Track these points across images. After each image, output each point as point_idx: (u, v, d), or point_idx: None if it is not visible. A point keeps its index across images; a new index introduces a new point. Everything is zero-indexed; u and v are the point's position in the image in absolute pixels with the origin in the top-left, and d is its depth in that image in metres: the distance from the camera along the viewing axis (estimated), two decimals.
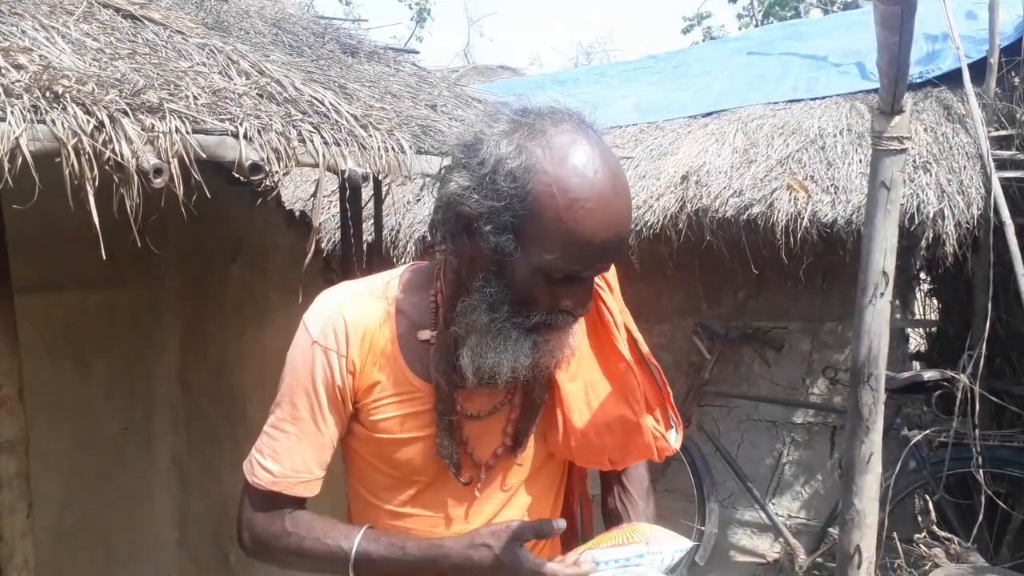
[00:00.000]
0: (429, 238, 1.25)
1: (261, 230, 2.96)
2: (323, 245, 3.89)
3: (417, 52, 3.67)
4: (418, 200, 4.45)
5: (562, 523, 1.16)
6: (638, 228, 3.74)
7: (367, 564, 1.17)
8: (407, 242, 4.27)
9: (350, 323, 1.17)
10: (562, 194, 1.01)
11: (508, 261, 1.04)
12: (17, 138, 1.22)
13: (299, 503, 1.23)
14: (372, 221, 3.18)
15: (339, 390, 1.18)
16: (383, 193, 2.74)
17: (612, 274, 1.29)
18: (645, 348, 1.28)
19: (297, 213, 2.98)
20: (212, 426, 3.28)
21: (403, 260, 4.19)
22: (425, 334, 1.18)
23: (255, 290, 3.00)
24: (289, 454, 1.19)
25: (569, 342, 1.14)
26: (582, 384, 1.23)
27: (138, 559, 3.22)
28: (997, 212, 3.24)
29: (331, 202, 3.96)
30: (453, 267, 1.13)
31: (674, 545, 1.17)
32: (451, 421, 1.18)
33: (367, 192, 2.90)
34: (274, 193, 2.90)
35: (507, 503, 1.27)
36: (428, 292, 1.21)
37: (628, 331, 1.27)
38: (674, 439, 1.28)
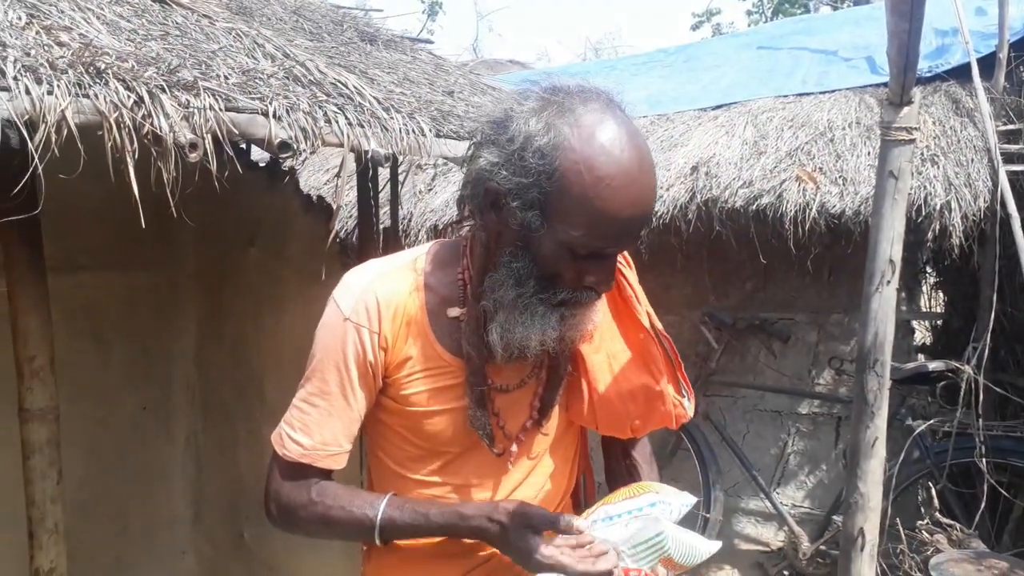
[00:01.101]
0: (456, 214, 1.28)
1: (278, 214, 3.01)
2: (339, 230, 3.94)
3: (432, 42, 3.72)
4: (430, 189, 4.51)
5: (575, 521, 1.17)
6: None
7: (391, 529, 1.21)
8: (419, 230, 4.33)
9: (382, 300, 1.19)
10: (589, 171, 1.03)
11: (534, 237, 1.07)
12: (63, 110, 1.28)
13: (326, 475, 1.25)
14: (387, 207, 3.24)
15: (371, 366, 1.20)
16: (400, 177, 2.79)
17: (629, 258, 1.35)
18: (657, 322, 1.32)
19: (315, 198, 3.03)
20: (228, 407, 3.34)
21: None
22: (455, 311, 1.21)
23: (272, 273, 3.06)
24: (319, 427, 1.21)
25: (594, 317, 1.17)
26: (605, 355, 1.27)
27: (153, 536, 3.29)
28: (1004, 205, 3.28)
29: (348, 187, 4.03)
30: (481, 241, 1.16)
31: (680, 499, 1.21)
32: (482, 393, 1.22)
33: (383, 177, 2.96)
34: (291, 177, 2.96)
35: (532, 470, 1.31)
36: (455, 268, 1.23)
37: (648, 313, 1.32)
38: (689, 406, 1.32)
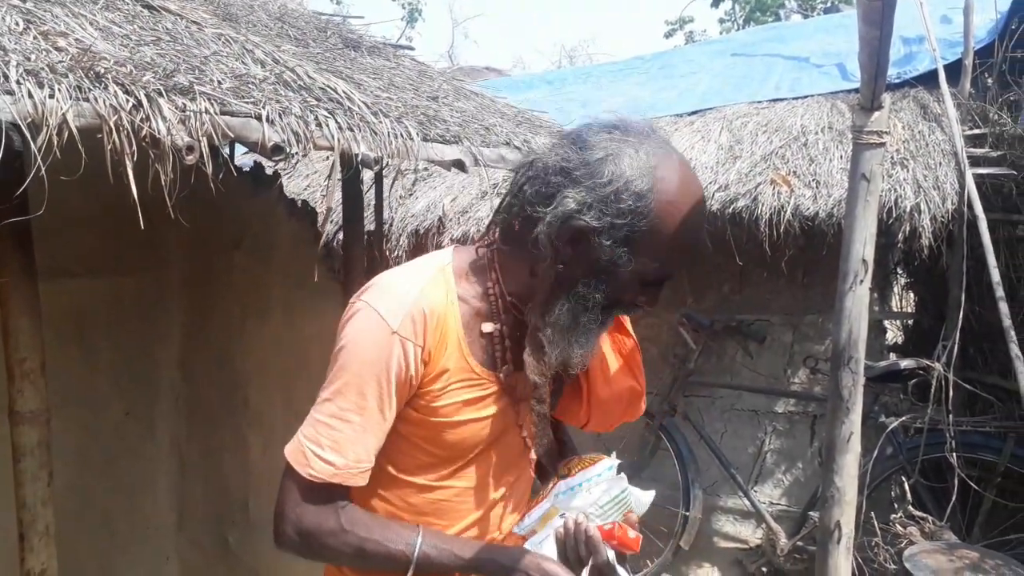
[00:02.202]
0: (490, 233, 1.32)
1: (263, 219, 3.04)
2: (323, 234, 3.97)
3: (414, 48, 3.76)
4: (411, 194, 4.54)
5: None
6: None
7: (426, 566, 1.21)
8: (400, 235, 4.36)
9: (428, 312, 1.19)
10: (678, 212, 1.15)
11: (615, 271, 1.15)
12: (64, 113, 1.31)
13: (347, 493, 1.24)
14: (369, 211, 3.27)
15: (411, 379, 1.20)
16: (385, 180, 2.82)
17: None
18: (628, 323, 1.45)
19: (299, 203, 3.05)
20: (213, 412, 3.34)
21: (396, 252, 4.28)
22: (488, 326, 1.25)
23: (257, 278, 3.08)
24: (353, 444, 1.18)
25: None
26: (599, 360, 1.36)
27: (138, 541, 3.28)
28: (971, 207, 3.39)
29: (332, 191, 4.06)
30: (548, 273, 1.18)
31: (614, 461, 1.35)
32: (512, 403, 1.31)
33: (366, 182, 2.99)
34: (276, 183, 2.98)
35: (526, 467, 1.40)
36: (483, 281, 1.26)
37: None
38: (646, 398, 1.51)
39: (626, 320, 1.40)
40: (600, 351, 1.35)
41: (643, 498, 1.32)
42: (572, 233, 1.14)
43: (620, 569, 1.24)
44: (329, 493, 1.20)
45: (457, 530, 1.31)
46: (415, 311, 1.19)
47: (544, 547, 1.25)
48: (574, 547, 1.22)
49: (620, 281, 1.17)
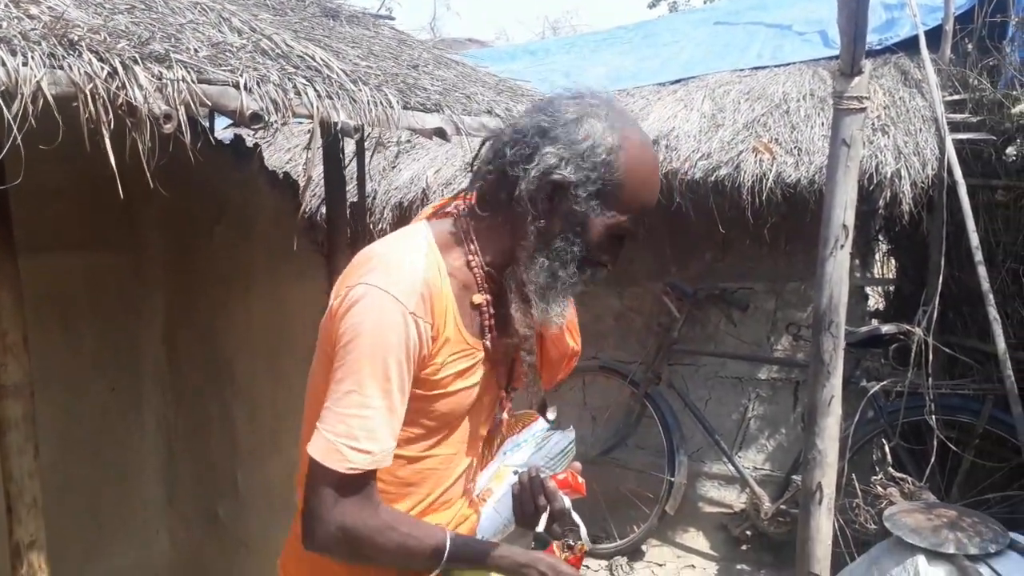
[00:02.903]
0: (465, 201, 1.34)
1: (244, 192, 3.02)
2: (306, 206, 3.95)
3: (394, 18, 3.72)
4: (394, 167, 4.52)
5: None
6: None
7: (454, 560, 1.25)
8: (384, 208, 4.35)
9: (432, 288, 1.21)
10: (642, 166, 1.25)
11: (589, 222, 1.22)
12: (39, 82, 1.29)
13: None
14: (352, 184, 3.26)
15: (423, 357, 1.21)
16: (367, 152, 2.81)
17: None
18: None
19: (280, 175, 3.03)
20: (199, 387, 3.34)
21: (380, 225, 4.27)
22: (478, 298, 1.29)
23: (239, 251, 3.06)
24: (384, 428, 1.17)
25: None
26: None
27: (126, 517, 3.29)
28: (951, 172, 3.41)
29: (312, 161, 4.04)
30: (530, 230, 1.23)
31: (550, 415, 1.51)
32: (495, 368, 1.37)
33: (349, 154, 2.98)
34: (257, 154, 2.96)
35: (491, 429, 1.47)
36: (464, 253, 1.29)
37: None
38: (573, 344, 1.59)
39: None
40: None
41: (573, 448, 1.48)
42: (552, 187, 1.21)
43: (574, 514, 1.33)
44: (366, 485, 1.19)
45: (436, 495, 1.35)
46: (423, 289, 1.19)
47: (503, 502, 1.34)
48: (530, 499, 1.32)
49: (593, 235, 1.23)
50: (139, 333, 3.30)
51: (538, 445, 1.40)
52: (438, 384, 1.25)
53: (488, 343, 1.32)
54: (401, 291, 1.17)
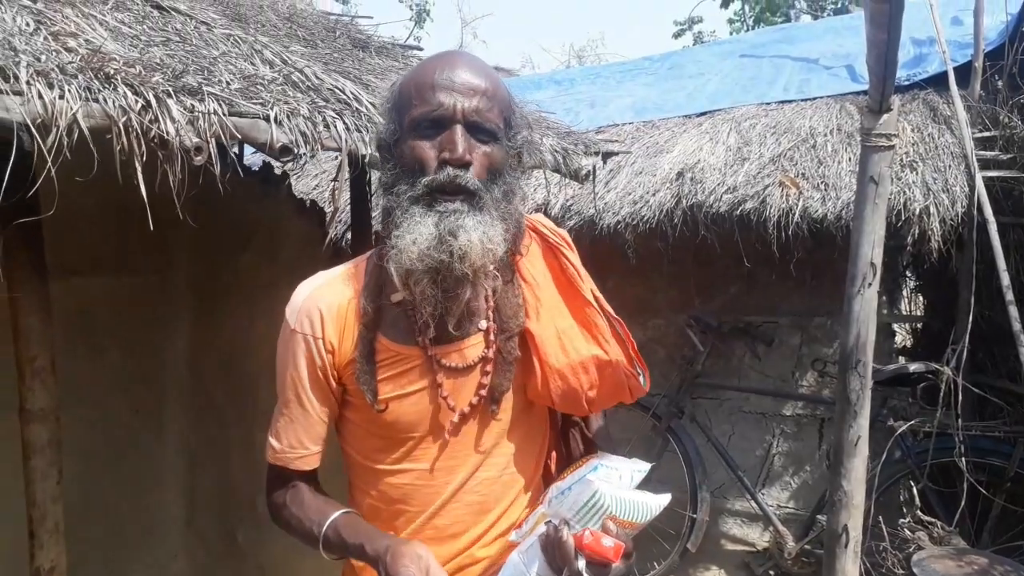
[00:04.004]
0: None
1: (272, 219, 3.04)
2: (332, 232, 3.98)
3: (422, 48, 3.77)
4: None
5: None
6: (635, 223, 3.85)
7: (331, 547, 1.30)
8: None
9: (324, 306, 1.28)
10: (411, 71, 1.29)
11: (396, 142, 1.23)
12: (74, 114, 1.32)
13: (305, 475, 1.37)
14: (377, 210, 3.27)
15: (321, 370, 1.29)
16: None
17: (569, 238, 1.42)
18: (607, 305, 1.38)
19: (307, 202, 3.06)
20: (221, 410, 3.35)
21: None
22: (397, 296, 1.26)
23: (265, 277, 3.08)
24: (285, 433, 1.33)
25: (475, 227, 1.19)
26: (554, 330, 1.32)
27: (146, 538, 3.29)
28: (980, 210, 3.37)
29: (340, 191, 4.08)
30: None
31: (632, 466, 1.26)
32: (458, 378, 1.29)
33: (374, 181, 2.99)
34: (285, 182, 2.99)
35: (490, 453, 1.35)
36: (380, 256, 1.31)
37: (592, 291, 1.38)
38: (644, 381, 1.38)
39: (581, 284, 1.35)
40: (553, 318, 1.33)
41: (646, 502, 1.20)
42: (378, 148, 1.29)
43: None
44: (281, 474, 1.36)
45: (429, 513, 1.33)
46: (309, 306, 1.29)
47: (530, 554, 1.21)
48: (553, 555, 1.17)
49: (401, 148, 1.23)
50: (163, 355, 3.33)
51: (569, 494, 1.21)
52: (364, 393, 1.28)
53: (421, 342, 1.27)
54: (289, 312, 1.32)
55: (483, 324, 1.30)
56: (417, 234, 1.17)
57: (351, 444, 1.39)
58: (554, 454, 1.49)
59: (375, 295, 1.28)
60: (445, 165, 1.18)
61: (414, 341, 1.28)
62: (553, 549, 1.17)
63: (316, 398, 1.31)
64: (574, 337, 1.33)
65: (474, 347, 1.30)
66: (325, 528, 1.28)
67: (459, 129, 1.19)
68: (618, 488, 1.20)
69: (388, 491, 1.34)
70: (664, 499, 1.22)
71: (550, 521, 1.21)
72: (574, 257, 1.38)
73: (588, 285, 1.37)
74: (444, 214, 1.18)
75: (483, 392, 1.30)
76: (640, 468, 1.27)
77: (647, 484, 1.27)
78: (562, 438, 1.50)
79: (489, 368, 1.30)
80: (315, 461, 1.36)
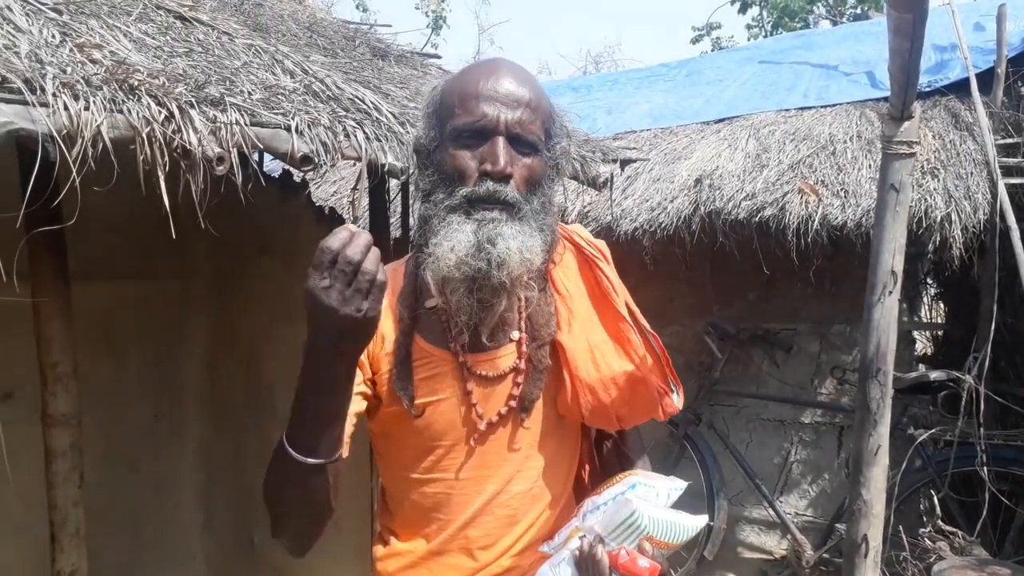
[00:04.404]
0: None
1: (291, 225, 3.06)
2: None
3: (440, 57, 3.78)
4: None
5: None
6: (652, 229, 3.84)
7: (293, 433, 1.12)
8: None
9: None
10: (454, 77, 1.27)
11: (436, 149, 1.22)
12: (99, 125, 1.33)
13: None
14: (394, 217, 3.29)
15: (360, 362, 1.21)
16: (411, 189, 2.84)
17: (606, 250, 1.40)
18: (642, 319, 1.36)
19: (326, 210, 3.08)
20: (239, 415, 3.38)
21: None
22: (432, 301, 1.25)
23: (283, 283, 3.10)
24: None
25: (514, 236, 1.17)
26: (585, 343, 1.30)
27: (165, 541, 3.32)
28: (1003, 217, 3.34)
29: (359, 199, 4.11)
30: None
31: (669, 484, 1.24)
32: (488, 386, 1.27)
33: (393, 189, 3.01)
34: (306, 190, 3.01)
35: (522, 466, 1.33)
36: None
37: (627, 305, 1.36)
38: (677, 399, 1.35)
39: (615, 297, 1.33)
40: (585, 332, 1.31)
41: (682, 523, 1.18)
42: (415, 154, 1.28)
43: None
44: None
45: (461, 522, 1.31)
46: None
47: (561, 568, 1.19)
48: (587, 571, 1.17)
49: (441, 156, 1.21)
50: (183, 360, 3.36)
51: (606, 511, 1.20)
52: (398, 397, 1.26)
53: (453, 348, 1.26)
54: None
55: (515, 335, 1.29)
56: (455, 241, 1.16)
57: (383, 454, 1.37)
58: (587, 467, 1.46)
59: (411, 301, 1.28)
60: (485, 178, 1.17)
61: (446, 346, 1.27)
62: (587, 565, 1.16)
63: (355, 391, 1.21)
64: (606, 352, 1.31)
65: (506, 357, 1.29)
66: (284, 439, 1.12)
67: (501, 141, 1.18)
68: (655, 507, 1.19)
69: (420, 500, 1.32)
70: (701, 520, 1.20)
71: (584, 536, 1.19)
72: (610, 270, 1.36)
73: (623, 298, 1.35)
74: (483, 222, 1.16)
75: (513, 402, 1.29)
76: (677, 486, 1.24)
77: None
78: (596, 451, 1.47)
79: (520, 379, 1.29)
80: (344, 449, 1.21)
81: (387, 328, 1.27)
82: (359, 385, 1.25)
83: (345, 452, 1.18)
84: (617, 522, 1.16)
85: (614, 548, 1.16)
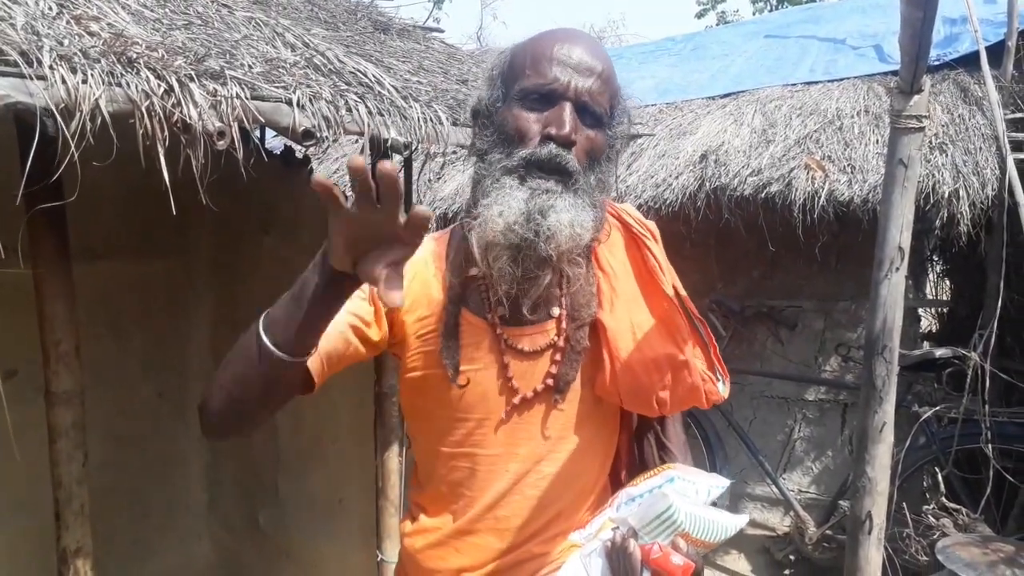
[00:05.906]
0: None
1: (293, 202, 3.04)
2: None
3: (443, 31, 3.73)
4: (439, 178, 4.54)
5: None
6: (657, 206, 3.82)
7: (273, 325, 1.11)
8: None
9: (411, 269, 1.20)
10: (526, 40, 1.24)
11: (498, 109, 1.21)
12: (97, 99, 1.31)
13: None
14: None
15: (373, 315, 1.23)
16: (415, 164, 2.82)
17: (656, 230, 1.37)
18: (691, 305, 1.32)
19: None
20: None
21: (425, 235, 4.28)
22: (474, 270, 1.23)
23: (287, 261, 3.08)
24: None
25: (567, 209, 1.15)
26: (628, 324, 1.27)
27: (170, 520, 3.34)
28: (1011, 193, 3.30)
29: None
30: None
31: (709, 480, 1.20)
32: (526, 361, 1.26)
33: (397, 162, 2.98)
34: (308, 166, 2.98)
35: (554, 448, 1.29)
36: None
37: (675, 287, 1.31)
38: (723, 388, 1.31)
39: (662, 277, 1.30)
40: (630, 311, 1.28)
41: (722, 522, 1.13)
42: (473, 116, 1.26)
43: None
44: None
45: (486, 504, 1.29)
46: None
47: (592, 559, 1.16)
48: (618, 564, 1.14)
49: (504, 115, 1.20)
50: (187, 338, 3.36)
51: (641, 503, 1.16)
52: (430, 362, 1.26)
53: (492, 323, 1.24)
54: None
55: (555, 311, 1.27)
56: (505, 206, 1.14)
57: (414, 425, 1.36)
58: (624, 458, 1.42)
59: (459, 270, 1.25)
60: (548, 141, 1.15)
61: (484, 316, 1.25)
62: (619, 558, 1.14)
63: (350, 320, 1.21)
64: (649, 333, 1.27)
65: (544, 333, 1.26)
66: (261, 319, 1.12)
67: (568, 107, 1.16)
68: (693, 504, 1.14)
69: (449, 474, 1.30)
70: (742, 520, 1.16)
71: (617, 528, 1.17)
72: (658, 249, 1.34)
73: (671, 280, 1.31)
74: (536, 191, 1.14)
75: (549, 381, 1.27)
76: (719, 484, 1.20)
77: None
78: (636, 443, 1.42)
79: (558, 356, 1.27)
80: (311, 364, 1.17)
81: (435, 293, 1.26)
82: (359, 324, 1.23)
83: (317, 381, 1.20)
84: (652, 516, 1.13)
85: (647, 542, 1.12)
